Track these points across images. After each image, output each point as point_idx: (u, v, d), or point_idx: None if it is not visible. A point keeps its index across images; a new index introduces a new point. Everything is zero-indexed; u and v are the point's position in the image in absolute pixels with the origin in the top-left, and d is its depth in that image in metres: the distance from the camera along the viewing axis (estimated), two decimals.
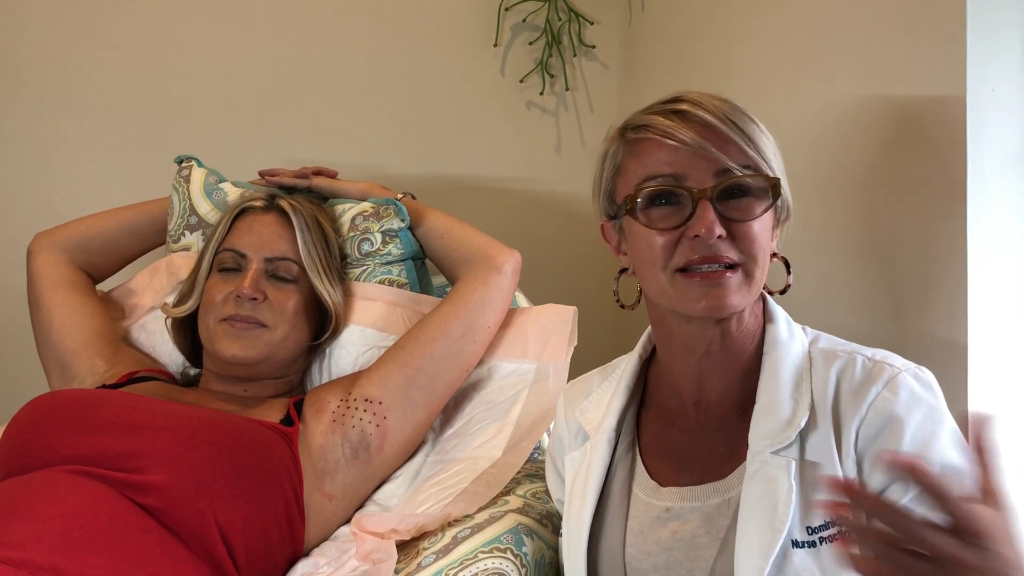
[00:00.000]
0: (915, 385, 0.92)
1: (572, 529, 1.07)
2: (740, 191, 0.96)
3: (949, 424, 0.91)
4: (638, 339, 1.14)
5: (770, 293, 1.06)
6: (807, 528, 0.90)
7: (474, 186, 2.20)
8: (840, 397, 0.94)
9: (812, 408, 0.94)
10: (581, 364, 1.48)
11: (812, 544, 0.89)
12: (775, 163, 0.99)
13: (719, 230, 0.94)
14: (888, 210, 1.25)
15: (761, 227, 0.97)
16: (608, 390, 1.13)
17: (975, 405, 1.11)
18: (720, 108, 0.98)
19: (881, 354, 0.97)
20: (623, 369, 1.13)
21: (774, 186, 0.97)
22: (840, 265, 1.36)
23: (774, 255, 1.03)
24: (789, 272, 1.05)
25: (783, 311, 1.05)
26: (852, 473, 0.91)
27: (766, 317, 1.04)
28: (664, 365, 1.08)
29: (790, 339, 1.01)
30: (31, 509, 1.09)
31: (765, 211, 0.97)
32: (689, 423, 1.05)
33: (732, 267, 0.95)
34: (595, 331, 1.80)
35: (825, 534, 0.89)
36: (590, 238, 2.19)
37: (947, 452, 0.88)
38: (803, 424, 0.93)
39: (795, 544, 0.89)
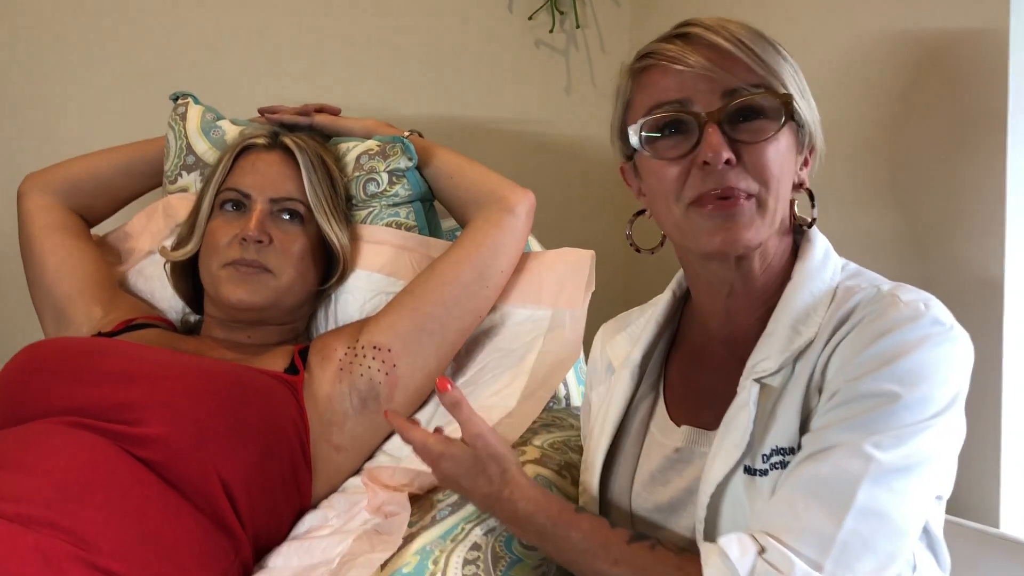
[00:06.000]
0: (918, 311, 0.86)
1: (589, 463, 1.07)
2: (751, 112, 0.91)
3: (920, 354, 0.85)
4: (653, 284, 1.12)
5: (799, 225, 1.00)
6: (762, 456, 0.88)
7: (480, 127, 2.13)
8: (842, 328, 0.89)
9: (813, 340, 0.90)
10: (592, 310, 1.43)
11: (764, 472, 0.88)
12: (793, 85, 0.93)
13: (727, 154, 0.88)
14: (920, 145, 1.21)
15: (776, 151, 0.91)
16: (641, 326, 1.10)
17: (1011, 343, 1.09)
18: (732, 31, 0.92)
19: (899, 288, 0.91)
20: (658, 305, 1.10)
21: (786, 104, 0.91)
22: (869, 204, 1.32)
23: (799, 186, 0.97)
24: (814, 205, 0.99)
25: (824, 242, 0.98)
26: (814, 401, 0.88)
27: (799, 252, 0.98)
28: (695, 303, 1.05)
29: (819, 270, 0.95)
30: (25, 462, 1.04)
31: (778, 131, 0.91)
32: (716, 362, 1.01)
33: (746, 196, 0.90)
34: (608, 276, 1.75)
35: (773, 461, 0.88)
36: (602, 180, 2.16)
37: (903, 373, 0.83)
38: (795, 353, 0.90)
39: (747, 471, 0.89)
